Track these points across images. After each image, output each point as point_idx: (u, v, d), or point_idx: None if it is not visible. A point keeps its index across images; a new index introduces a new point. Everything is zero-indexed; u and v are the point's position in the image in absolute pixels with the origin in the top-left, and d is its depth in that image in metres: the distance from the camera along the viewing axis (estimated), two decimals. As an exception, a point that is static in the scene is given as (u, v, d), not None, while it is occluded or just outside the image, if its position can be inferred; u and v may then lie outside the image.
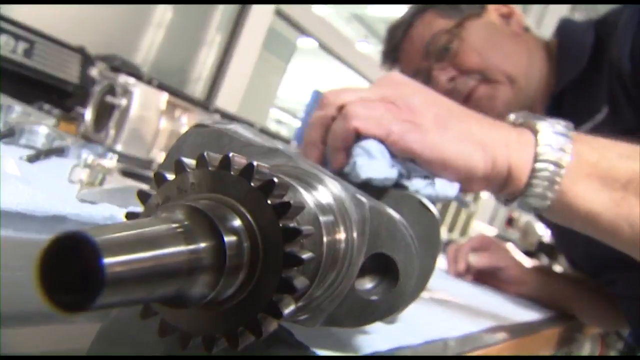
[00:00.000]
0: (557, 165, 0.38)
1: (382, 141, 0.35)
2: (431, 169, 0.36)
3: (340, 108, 0.36)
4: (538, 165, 0.38)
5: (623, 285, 0.76)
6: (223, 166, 0.19)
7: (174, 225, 0.16)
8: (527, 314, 0.67)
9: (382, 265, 0.26)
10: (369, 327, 0.31)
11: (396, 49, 0.80)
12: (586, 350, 1.17)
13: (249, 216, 0.18)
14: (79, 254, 0.12)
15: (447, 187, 0.37)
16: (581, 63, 0.70)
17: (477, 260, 0.80)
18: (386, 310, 0.26)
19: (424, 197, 0.34)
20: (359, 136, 0.35)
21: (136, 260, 0.13)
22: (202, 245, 0.16)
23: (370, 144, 0.35)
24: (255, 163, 0.18)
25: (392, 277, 0.26)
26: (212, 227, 0.17)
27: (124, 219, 0.20)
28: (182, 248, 0.15)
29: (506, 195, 0.41)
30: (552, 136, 0.39)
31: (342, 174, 0.35)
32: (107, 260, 0.12)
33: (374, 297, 0.25)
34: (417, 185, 0.35)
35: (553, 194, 0.38)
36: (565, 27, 0.77)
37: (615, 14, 0.70)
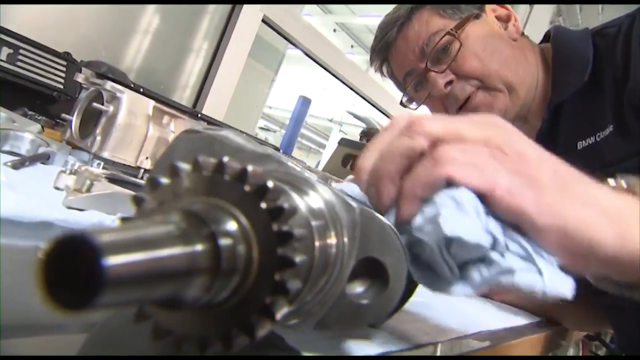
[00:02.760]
0: None
1: (480, 197, 0.27)
2: (544, 239, 0.28)
3: (433, 142, 0.29)
4: None
5: (614, 295, 0.76)
6: (217, 170, 0.19)
7: (171, 227, 0.16)
8: (513, 319, 0.68)
9: (372, 270, 0.26)
10: (359, 332, 0.31)
11: (388, 47, 0.76)
12: (570, 354, 1.18)
13: (243, 220, 0.18)
14: (81, 254, 0.12)
15: (557, 281, 0.27)
16: (583, 77, 0.67)
17: None
18: (376, 314, 0.26)
19: (522, 286, 0.26)
20: (448, 186, 0.27)
21: (136, 261, 0.13)
22: (198, 248, 0.16)
23: (462, 194, 0.26)
24: (249, 167, 0.19)
25: (382, 281, 0.26)
26: (207, 231, 0.17)
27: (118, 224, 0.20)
28: (179, 250, 0.15)
29: (631, 282, 0.32)
30: None
31: (401, 227, 0.28)
32: (108, 260, 0.12)
33: (364, 301, 0.26)
34: (513, 263, 0.26)
35: None
36: (560, 36, 0.74)
37: (616, 26, 0.67)
